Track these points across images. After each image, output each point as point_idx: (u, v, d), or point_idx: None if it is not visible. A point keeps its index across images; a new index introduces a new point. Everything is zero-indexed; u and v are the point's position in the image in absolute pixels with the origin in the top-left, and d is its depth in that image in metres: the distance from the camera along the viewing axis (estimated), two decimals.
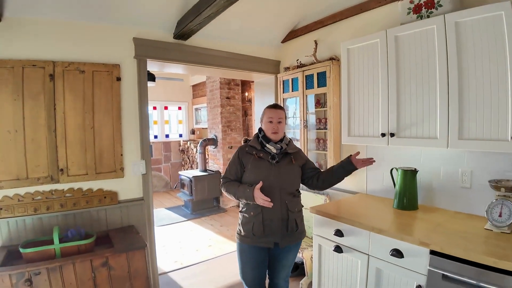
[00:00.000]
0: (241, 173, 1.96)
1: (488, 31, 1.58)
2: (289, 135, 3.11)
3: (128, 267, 2.12)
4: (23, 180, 2.16)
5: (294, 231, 1.94)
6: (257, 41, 3.15)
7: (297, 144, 3.01)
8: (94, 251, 2.09)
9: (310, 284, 2.76)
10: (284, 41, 3.26)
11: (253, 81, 4.81)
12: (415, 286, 1.65)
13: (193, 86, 6.72)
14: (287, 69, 3.19)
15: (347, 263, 2.04)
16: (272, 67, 3.33)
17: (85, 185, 2.37)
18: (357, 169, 1.97)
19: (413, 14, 1.92)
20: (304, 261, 2.80)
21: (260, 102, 3.66)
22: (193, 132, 6.79)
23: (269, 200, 1.77)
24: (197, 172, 5.29)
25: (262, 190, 1.80)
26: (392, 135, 2.06)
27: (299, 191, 2.02)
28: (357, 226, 1.94)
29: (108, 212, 2.46)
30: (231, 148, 5.28)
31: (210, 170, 5.40)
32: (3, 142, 2.08)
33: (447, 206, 2.09)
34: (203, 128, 6.54)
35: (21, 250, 1.95)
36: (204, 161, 5.41)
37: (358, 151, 2.04)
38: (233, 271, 3.15)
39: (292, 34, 3.15)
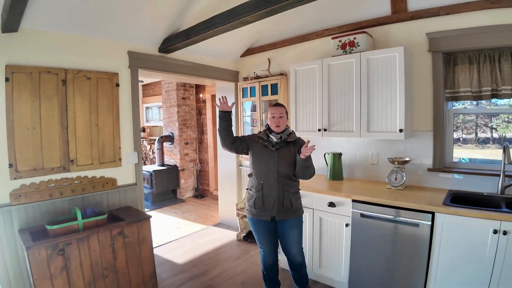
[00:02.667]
0: (240, 142, 2.39)
1: (387, 64, 2.58)
2: (248, 131, 3.99)
3: (138, 234, 2.68)
4: (40, 170, 2.54)
5: (289, 208, 2.31)
6: (221, 55, 3.90)
7: None
8: (107, 224, 2.59)
9: None
10: (242, 56, 4.07)
11: (207, 85, 5.51)
12: (344, 225, 2.65)
13: (144, 85, 7.01)
14: (245, 79, 4.01)
15: None
16: (233, 76, 4.12)
17: (90, 173, 2.82)
18: (302, 158, 2.22)
19: (341, 49, 2.92)
20: None
21: None
22: (143, 130, 7.09)
23: (223, 103, 2.33)
24: (156, 167, 5.74)
25: (259, 172, 2.32)
26: (325, 130, 3.05)
27: (296, 176, 2.35)
28: (304, 190, 2.84)
29: (109, 196, 2.95)
30: (187, 144, 5.87)
31: (167, 165, 5.89)
32: (22, 137, 2.44)
33: (362, 177, 3.17)
34: (153, 126, 6.91)
35: (48, 227, 2.33)
36: (162, 156, 5.87)
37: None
38: (203, 243, 3.87)
39: (249, 51, 3.99)
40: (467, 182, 2.50)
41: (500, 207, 2.07)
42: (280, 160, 2.32)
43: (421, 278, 2.22)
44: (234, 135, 2.45)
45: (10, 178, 2.41)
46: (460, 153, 2.74)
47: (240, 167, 4.27)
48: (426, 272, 2.20)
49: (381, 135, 2.71)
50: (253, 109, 4.00)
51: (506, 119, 2.64)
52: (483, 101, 2.58)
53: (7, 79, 2.36)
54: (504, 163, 2.19)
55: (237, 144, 2.41)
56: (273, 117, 2.36)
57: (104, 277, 2.50)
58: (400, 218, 2.32)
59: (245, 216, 3.85)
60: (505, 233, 1.84)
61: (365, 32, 2.81)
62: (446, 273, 2.12)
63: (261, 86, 3.75)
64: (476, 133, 2.80)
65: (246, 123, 4.09)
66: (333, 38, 2.98)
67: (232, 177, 4.31)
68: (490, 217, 1.90)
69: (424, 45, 2.66)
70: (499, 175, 2.27)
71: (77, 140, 2.71)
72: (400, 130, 2.57)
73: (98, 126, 2.84)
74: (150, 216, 2.81)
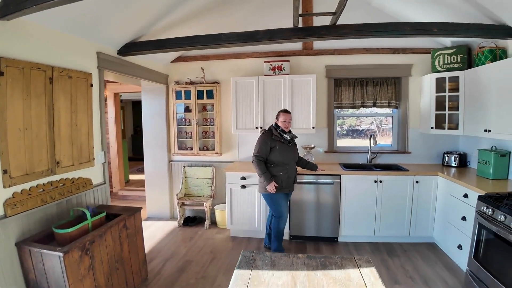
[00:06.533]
0: (268, 153, 3.24)
1: (305, 84, 3.95)
2: (181, 129, 4.54)
3: (134, 225, 2.91)
4: (31, 175, 2.35)
5: (296, 182, 3.48)
6: (155, 59, 4.19)
7: (190, 135, 4.50)
8: (114, 219, 2.70)
9: (210, 224, 4.40)
10: (173, 61, 4.51)
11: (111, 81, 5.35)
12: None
13: None
14: (177, 82, 4.48)
15: (249, 193, 3.94)
16: (163, 79, 4.47)
17: (71, 174, 2.73)
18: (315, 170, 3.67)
19: (271, 71, 4.09)
20: (205, 209, 4.36)
21: (148, 103, 4.62)
22: None
23: (274, 190, 3.18)
24: None
25: (285, 161, 3.24)
26: (261, 127, 4.15)
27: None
28: (252, 171, 3.84)
29: (86, 196, 2.91)
30: None
31: None
32: (15, 139, 2.21)
33: None
34: None
35: (61, 231, 2.27)
36: None
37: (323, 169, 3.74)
38: (150, 235, 4.13)
39: (181, 59, 4.49)
40: (348, 158, 4.28)
41: (372, 169, 3.86)
42: (294, 152, 3.39)
43: (337, 215, 3.75)
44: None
45: (4, 186, 2.17)
46: (341, 143, 4.52)
47: (171, 162, 4.68)
48: (339, 211, 3.75)
49: (301, 130, 4.09)
50: (186, 110, 4.54)
51: (372, 119, 4.62)
52: (356, 109, 4.43)
53: (1, 73, 2.12)
54: (370, 145, 4.04)
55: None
56: (284, 121, 3.30)
57: (116, 270, 2.65)
58: (321, 181, 3.77)
59: (183, 204, 4.43)
60: (380, 181, 3.60)
61: (288, 61, 4.11)
62: (351, 208, 3.73)
63: (197, 90, 4.39)
64: (349, 129, 4.70)
65: (178, 121, 4.56)
66: (265, 62, 4.12)
67: (163, 172, 4.65)
68: (371, 174, 3.64)
69: (323, 72, 4.24)
70: (367, 152, 4.14)
71: (61, 140, 2.61)
72: (313, 127, 4.04)
73: (77, 126, 2.79)
74: (141, 208, 3.05)
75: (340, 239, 3.84)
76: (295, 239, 3.93)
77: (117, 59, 3.38)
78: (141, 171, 7.45)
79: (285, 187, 3.32)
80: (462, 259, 3.05)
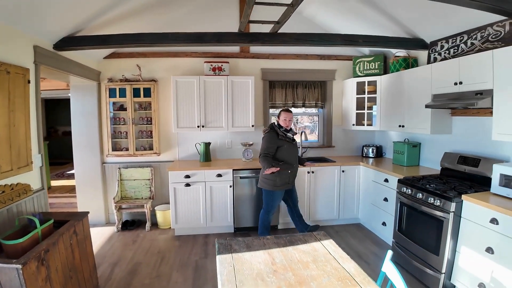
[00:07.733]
0: (275, 151, 3.40)
1: (243, 85, 4.26)
2: (117, 130, 4.40)
3: (83, 231, 2.78)
4: None
5: (295, 179, 3.68)
6: (86, 53, 3.91)
7: (126, 135, 4.37)
8: (64, 225, 2.54)
9: (151, 226, 4.36)
10: (106, 57, 4.26)
11: None
12: (228, 186, 4.11)
13: None
14: (110, 80, 4.26)
15: (193, 191, 4.07)
16: (96, 75, 4.19)
17: (10, 180, 2.46)
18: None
19: (212, 71, 4.27)
20: (146, 211, 4.29)
21: (78, 101, 4.25)
22: None
23: (276, 169, 3.36)
24: None
25: (290, 158, 3.46)
26: (203, 126, 4.32)
27: None
28: (196, 169, 4.04)
29: (27, 203, 2.65)
30: None
31: None
32: None
33: (223, 157, 4.71)
34: None
35: (11, 242, 2.12)
36: None
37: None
38: (95, 234, 3.88)
39: (115, 55, 4.27)
40: None
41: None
42: (296, 149, 3.64)
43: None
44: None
45: None
46: None
47: (104, 164, 4.42)
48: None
49: (241, 129, 4.41)
50: (121, 108, 4.36)
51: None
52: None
53: None
54: (302, 140, 4.62)
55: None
56: (285, 119, 3.47)
57: (70, 278, 2.53)
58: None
59: (121, 207, 4.32)
60: (312, 172, 4.19)
61: (228, 62, 4.37)
62: (315, 194, 4.16)
63: (133, 88, 4.26)
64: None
65: (112, 121, 4.33)
66: (206, 62, 4.30)
67: (96, 175, 4.35)
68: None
69: (259, 75, 4.64)
70: (299, 147, 4.70)
71: (0, 143, 2.35)
72: (252, 126, 4.40)
73: (15, 127, 2.52)
74: (88, 212, 2.91)
75: (280, 226, 4.31)
76: (239, 230, 4.23)
77: (53, 53, 3.11)
78: (60, 176, 6.68)
79: (290, 183, 3.58)
80: (386, 234, 3.78)
